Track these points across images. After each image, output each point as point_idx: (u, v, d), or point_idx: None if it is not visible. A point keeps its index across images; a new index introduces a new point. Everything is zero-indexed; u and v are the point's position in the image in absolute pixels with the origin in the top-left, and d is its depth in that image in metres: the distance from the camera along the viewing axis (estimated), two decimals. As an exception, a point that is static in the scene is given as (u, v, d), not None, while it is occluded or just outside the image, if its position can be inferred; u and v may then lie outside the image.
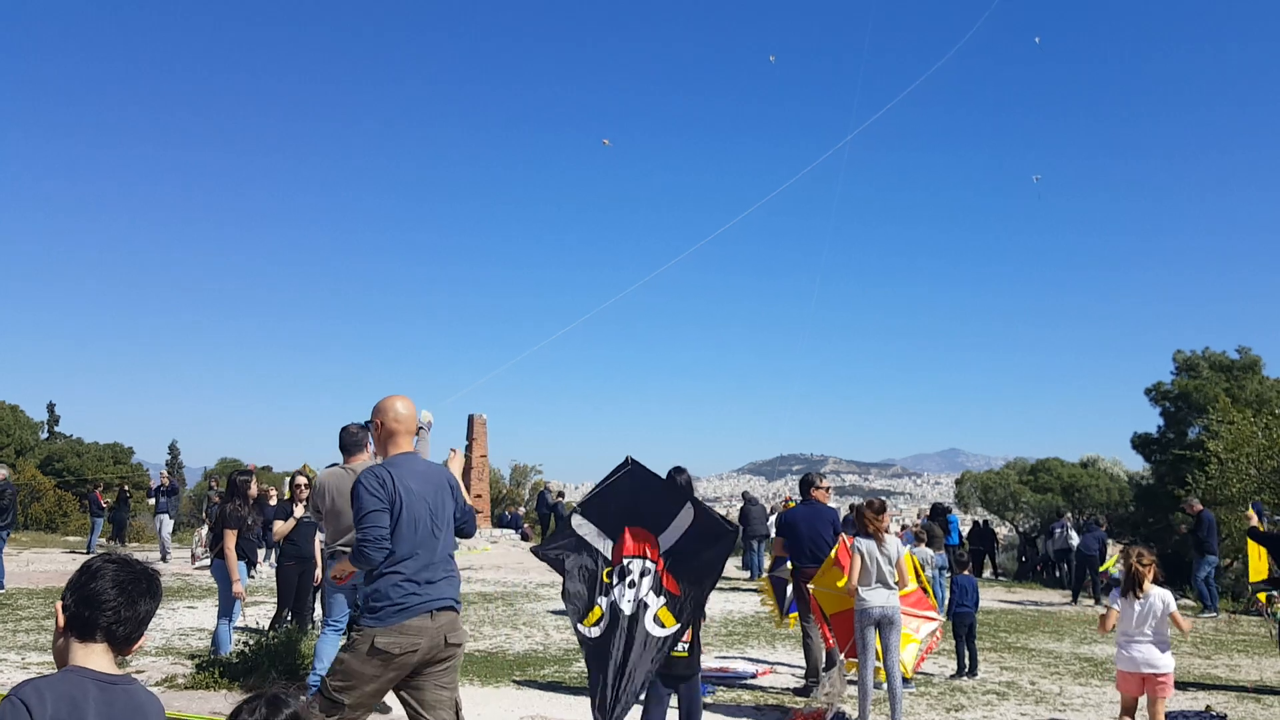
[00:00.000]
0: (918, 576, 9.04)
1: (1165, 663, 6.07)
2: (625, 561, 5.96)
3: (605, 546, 6.03)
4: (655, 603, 5.80)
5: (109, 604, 2.37)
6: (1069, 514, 25.17)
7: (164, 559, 20.41)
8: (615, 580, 5.91)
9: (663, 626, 5.79)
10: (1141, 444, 32.80)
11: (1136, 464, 35.86)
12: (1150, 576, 6.12)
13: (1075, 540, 22.66)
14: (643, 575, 5.90)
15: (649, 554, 5.93)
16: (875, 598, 7.46)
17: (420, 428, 7.38)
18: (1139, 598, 6.08)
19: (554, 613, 13.88)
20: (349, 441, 7.28)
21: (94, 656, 2.38)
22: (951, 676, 9.81)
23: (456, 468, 5.44)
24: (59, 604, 2.41)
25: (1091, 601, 18.43)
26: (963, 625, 9.94)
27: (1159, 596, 6.11)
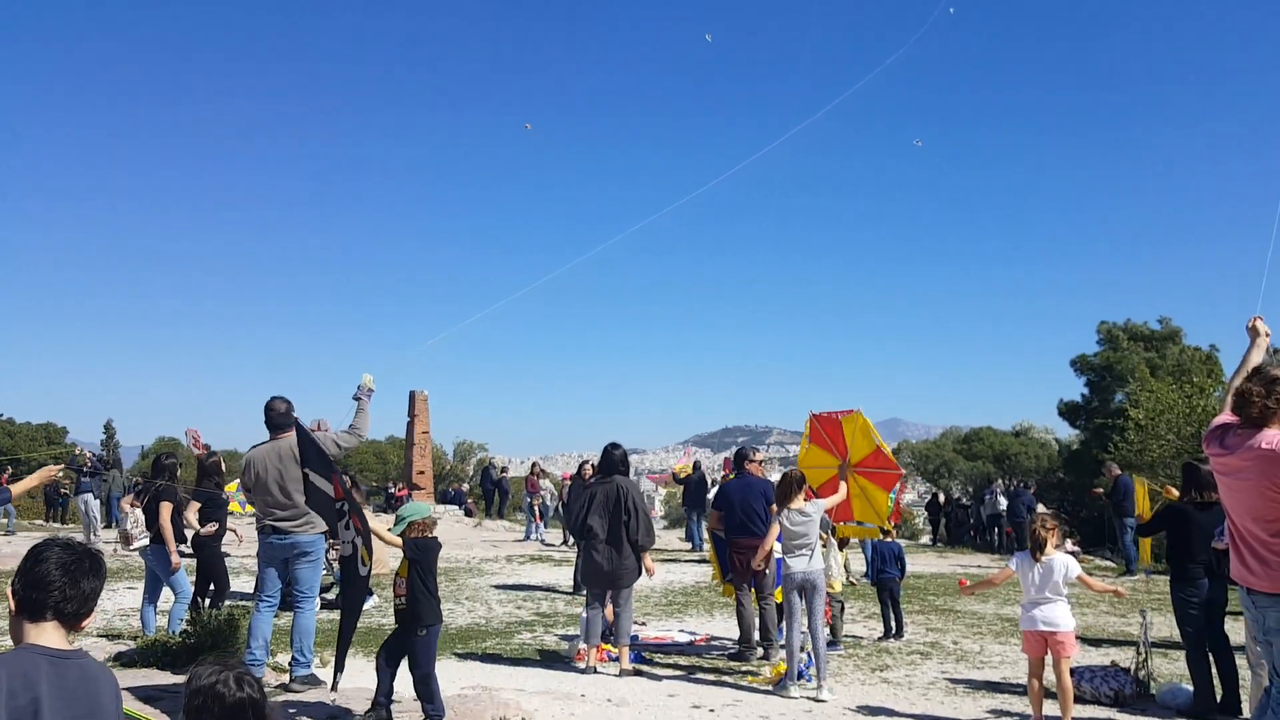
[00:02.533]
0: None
1: (1065, 622, 6.40)
2: (339, 504, 6.48)
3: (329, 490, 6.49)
4: (359, 543, 6.35)
5: (54, 585, 2.53)
6: (999, 481, 26.12)
7: (90, 539, 20.17)
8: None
9: (364, 565, 6.43)
10: (1068, 411, 33.87)
11: (1066, 431, 37.03)
12: (1053, 541, 6.46)
13: (1004, 505, 23.48)
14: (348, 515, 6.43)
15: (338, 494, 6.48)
16: (797, 564, 7.81)
17: (358, 396, 7.48)
18: (1039, 561, 6.44)
19: (497, 588, 14.09)
20: (276, 419, 7.32)
21: (45, 634, 2.54)
22: (879, 639, 10.24)
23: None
24: (8, 588, 2.56)
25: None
26: (886, 590, 10.37)
27: (1061, 561, 6.46)
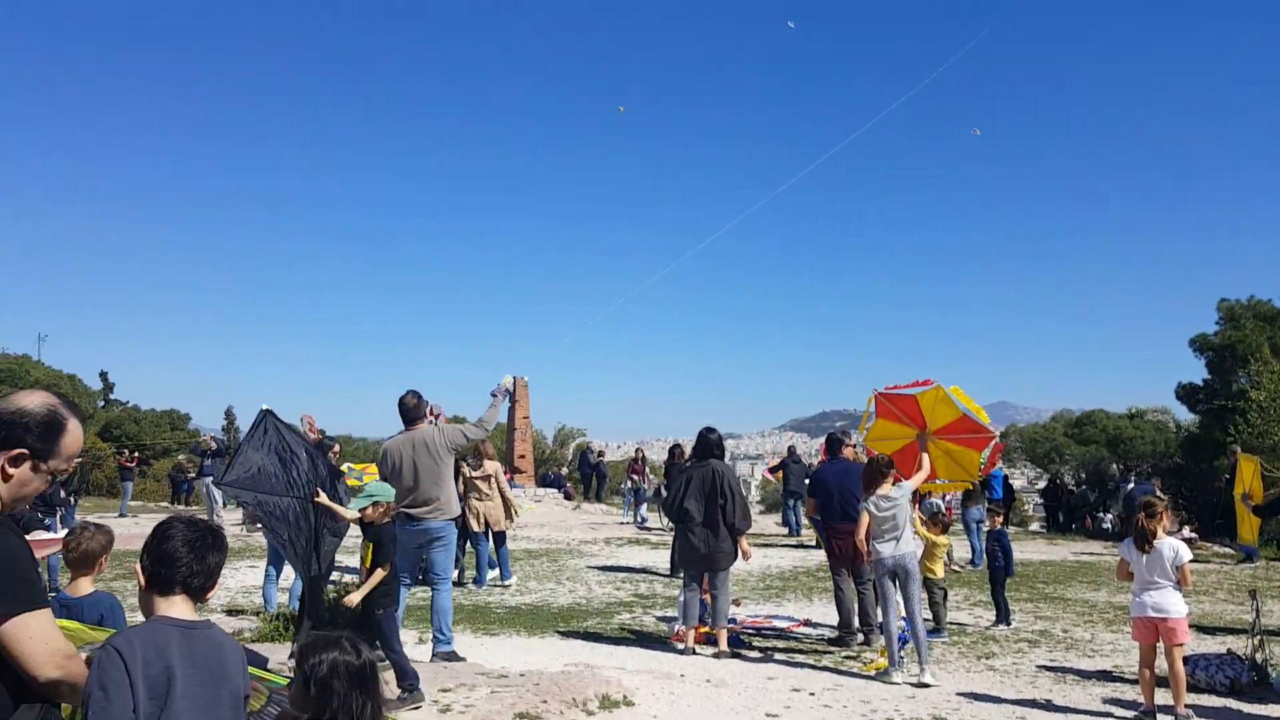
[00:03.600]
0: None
1: (1176, 608, 6.17)
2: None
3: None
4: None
5: (181, 560, 2.68)
6: (1123, 467, 25.06)
7: (213, 520, 21.11)
8: None
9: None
10: (1186, 394, 32.46)
11: (1184, 414, 35.51)
12: (1162, 527, 6.25)
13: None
14: None
15: None
16: (886, 549, 7.74)
17: (494, 394, 8.05)
18: (1146, 551, 6.23)
19: (596, 569, 14.28)
20: (406, 412, 7.79)
21: (175, 607, 2.70)
22: (988, 627, 10.04)
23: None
24: (138, 566, 2.73)
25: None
26: (997, 578, 10.17)
27: (1170, 546, 6.23)
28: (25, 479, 2.55)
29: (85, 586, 4.59)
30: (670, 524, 19.82)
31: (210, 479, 21.92)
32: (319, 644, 2.79)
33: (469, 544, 12.52)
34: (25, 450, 2.52)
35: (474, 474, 12.50)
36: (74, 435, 2.64)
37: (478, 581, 12.27)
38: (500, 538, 12.60)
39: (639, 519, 22.42)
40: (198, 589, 2.73)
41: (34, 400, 2.59)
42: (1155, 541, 6.20)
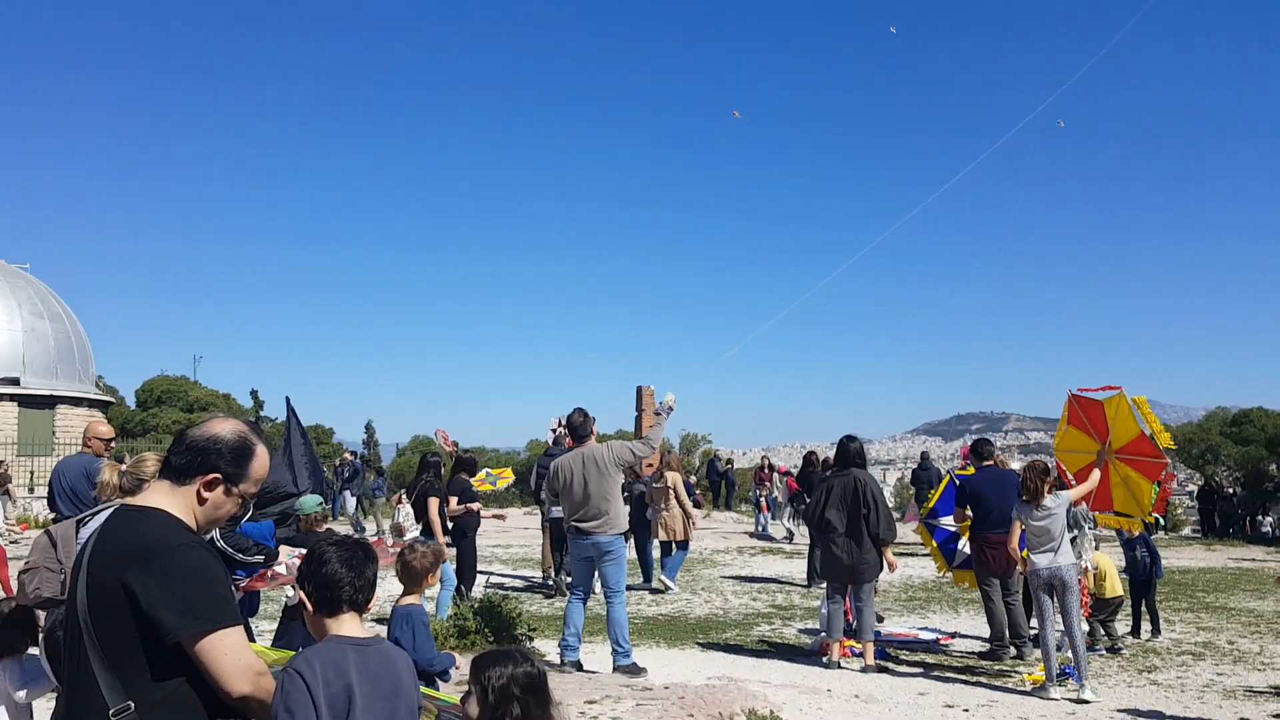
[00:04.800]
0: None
1: None
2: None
3: None
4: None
5: (344, 581, 2.79)
6: None
7: (355, 532, 22.00)
8: None
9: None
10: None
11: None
12: None
13: None
14: None
15: None
16: (1041, 560, 7.46)
17: (659, 411, 8.22)
18: None
19: (731, 579, 14.23)
20: (576, 429, 8.06)
21: (345, 625, 2.80)
22: (1147, 639, 9.58)
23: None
24: (301, 593, 2.84)
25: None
26: (1144, 587, 9.72)
27: None
28: (219, 502, 2.69)
29: (412, 599, 4.98)
30: (788, 534, 19.78)
31: (347, 493, 23.00)
32: (495, 657, 2.90)
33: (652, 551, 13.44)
34: (219, 474, 2.67)
35: (655, 485, 13.37)
36: (261, 460, 2.77)
37: (648, 581, 13.13)
38: (683, 545, 13.25)
39: (760, 528, 22.20)
40: (363, 603, 2.84)
41: (226, 427, 2.74)
42: None
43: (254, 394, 50.93)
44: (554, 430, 14.64)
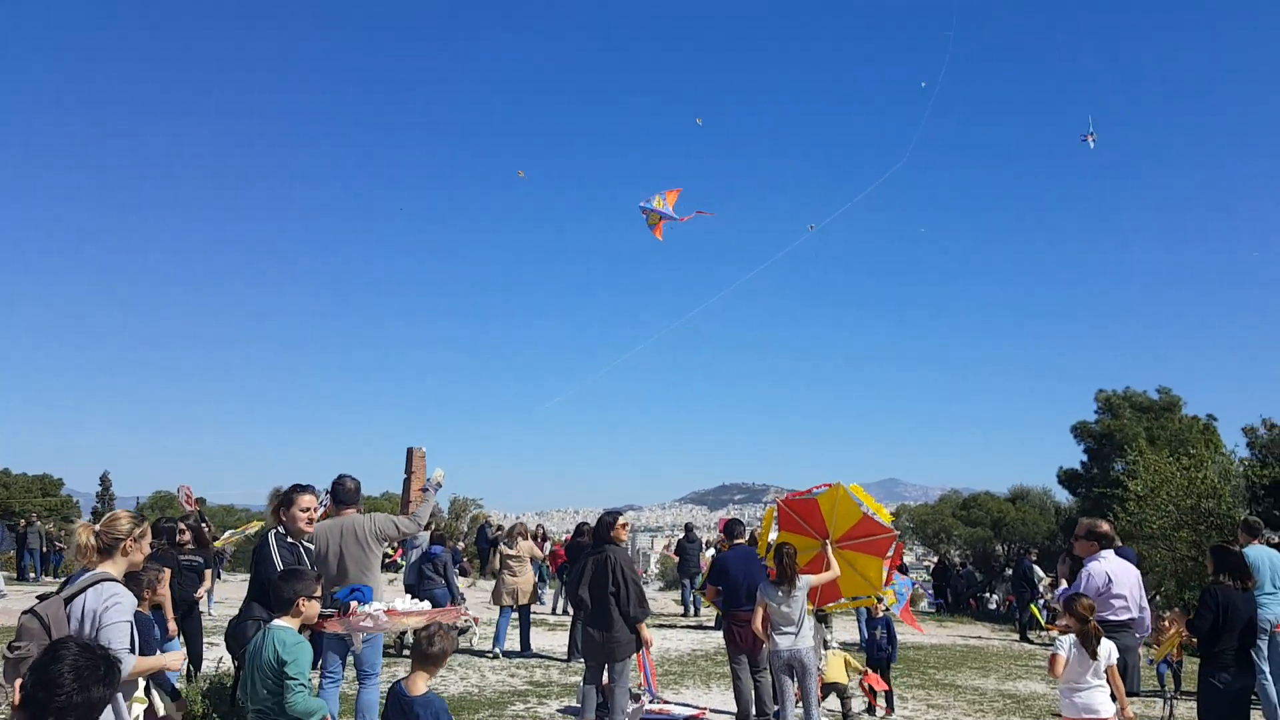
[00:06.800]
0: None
1: (1106, 708, 6.24)
2: None
3: None
4: None
5: (63, 689, 2.48)
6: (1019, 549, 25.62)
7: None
8: None
9: None
10: (1068, 479, 33.74)
11: (1065, 498, 36.84)
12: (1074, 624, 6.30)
13: (1041, 576, 22.64)
14: None
15: None
16: (783, 641, 7.75)
17: (426, 488, 7.87)
18: (1094, 657, 6.22)
19: (488, 653, 13.88)
20: (345, 495, 7.57)
21: None
22: (883, 715, 10.08)
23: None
24: (18, 682, 2.51)
25: (1018, 636, 18.94)
26: (881, 665, 10.29)
27: (1107, 646, 6.31)
28: None
29: (421, 685, 4.90)
30: (554, 606, 19.74)
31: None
32: None
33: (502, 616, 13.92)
34: None
35: (510, 552, 14.13)
36: None
37: (498, 645, 13.50)
38: (526, 611, 14.08)
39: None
40: None
41: None
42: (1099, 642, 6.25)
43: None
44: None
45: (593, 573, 8.42)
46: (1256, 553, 9.45)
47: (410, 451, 31.22)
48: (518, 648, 13.83)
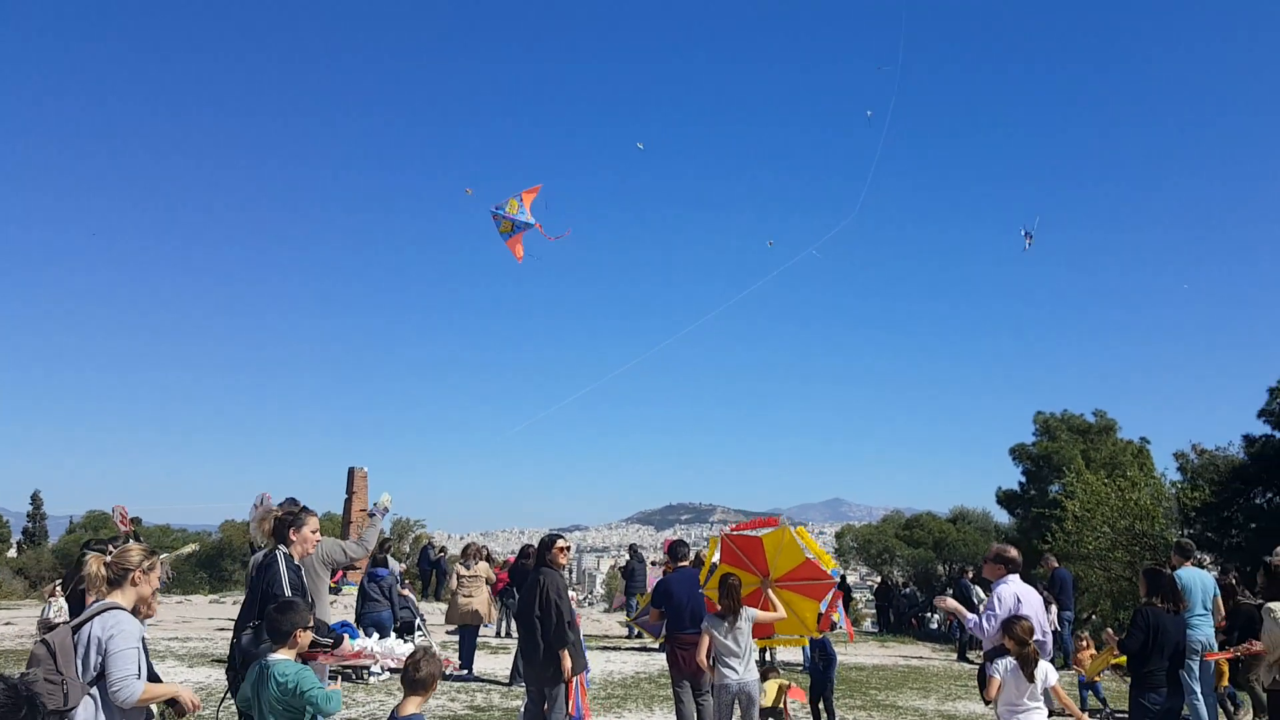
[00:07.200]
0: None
1: None
2: None
3: None
4: None
5: None
6: (969, 570, 25.94)
7: None
8: None
9: None
10: (1007, 500, 34.28)
11: (1004, 518, 37.42)
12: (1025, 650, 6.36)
13: (980, 595, 23.04)
14: None
15: None
16: (730, 674, 7.76)
17: (373, 512, 7.75)
18: (1031, 679, 6.27)
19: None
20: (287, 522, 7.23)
21: None
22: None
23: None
24: None
25: (957, 655, 19.17)
26: (821, 686, 10.36)
27: (1044, 668, 6.37)
28: None
29: (413, 708, 5.03)
30: (505, 630, 19.51)
31: None
32: None
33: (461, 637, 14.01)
34: None
35: (466, 573, 14.24)
36: None
37: (466, 670, 13.61)
38: (474, 632, 14.09)
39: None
40: None
41: None
42: (1036, 664, 6.32)
43: None
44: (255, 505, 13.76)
45: (527, 598, 8.38)
46: (1189, 575, 9.71)
47: (352, 471, 30.75)
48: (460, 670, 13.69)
